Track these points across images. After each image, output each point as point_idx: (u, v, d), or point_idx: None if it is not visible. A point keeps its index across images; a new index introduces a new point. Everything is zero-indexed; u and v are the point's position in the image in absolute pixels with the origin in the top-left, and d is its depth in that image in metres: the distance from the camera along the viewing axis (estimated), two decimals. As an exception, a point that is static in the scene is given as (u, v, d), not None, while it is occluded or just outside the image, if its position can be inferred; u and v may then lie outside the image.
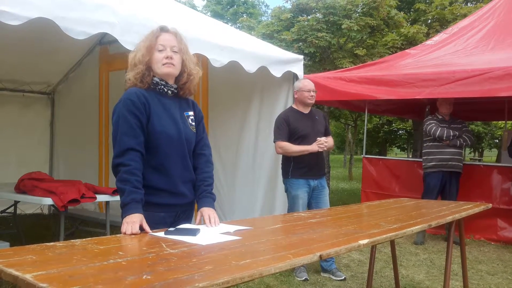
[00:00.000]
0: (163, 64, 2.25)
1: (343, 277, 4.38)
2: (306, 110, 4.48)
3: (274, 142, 4.43)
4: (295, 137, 4.34)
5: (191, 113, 2.40)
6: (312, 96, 4.41)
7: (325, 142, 4.29)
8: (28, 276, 1.24)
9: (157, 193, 2.20)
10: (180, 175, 2.30)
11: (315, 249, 1.73)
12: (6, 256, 1.45)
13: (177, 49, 2.28)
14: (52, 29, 3.16)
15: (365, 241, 1.94)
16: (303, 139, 4.32)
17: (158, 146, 2.23)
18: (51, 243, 1.67)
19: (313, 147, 4.27)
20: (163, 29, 2.29)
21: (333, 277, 4.39)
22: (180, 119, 2.32)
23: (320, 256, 1.67)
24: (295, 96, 4.52)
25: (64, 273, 1.29)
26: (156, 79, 2.28)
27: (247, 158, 5.71)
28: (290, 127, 4.35)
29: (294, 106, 4.57)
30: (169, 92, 2.32)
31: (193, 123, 2.39)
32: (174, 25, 3.96)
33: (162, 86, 2.30)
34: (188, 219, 2.42)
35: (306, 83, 4.46)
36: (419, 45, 8.39)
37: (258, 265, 1.45)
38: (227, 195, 5.90)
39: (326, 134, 4.51)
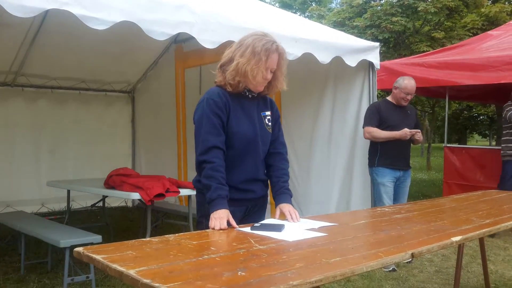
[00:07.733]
0: (260, 84, 2.29)
1: (391, 268, 4.24)
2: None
3: (363, 127, 4.58)
4: (384, 126, 4.42)
5: (268, 113, 2.43)
6: (407, 99, 4.48)
7: (416, 135, 4.35)
8: (132, 272, 1.32)
9: None
10: (250, 174, 2.34)
11: (406, 246, 1.68)
12: (108, 251, 1.55)
13: (274, 70, 2.30)
14: (133, 30, 3.28)
15: (458, 238, 1.86)
16: (391, 129, 4.39)
17: (232, 146, 2.27)
18: (147, 239, 1.76)
19: (401, 133, 4.31)
20: (277, 50, 2.25)
21: (384, 269, 4.23)
22: (257, 119, 2.36)
23: (412, 254, 1.62)
24: (394, 91, 4.54)
25: (164, 269, 1.36)
26: (243, 87, 2.30)
27: (321, 151, 5.63)
28: (380, 115, 4.44)
29: (389, 98, 4.63)
30: (250, 96, 2.35)
31: (270, 123, 2.42)
32: (249, 21, 4.01)
33: (246, 91, 2.33)
34: (261, 213, 2.46)
35: (408, 86, 4.43)
36: (502, 26, 7.91)
37: (350, 264, 1.44)
38: (302, 187, 5.86)
39: (415, 129, 4.55)
